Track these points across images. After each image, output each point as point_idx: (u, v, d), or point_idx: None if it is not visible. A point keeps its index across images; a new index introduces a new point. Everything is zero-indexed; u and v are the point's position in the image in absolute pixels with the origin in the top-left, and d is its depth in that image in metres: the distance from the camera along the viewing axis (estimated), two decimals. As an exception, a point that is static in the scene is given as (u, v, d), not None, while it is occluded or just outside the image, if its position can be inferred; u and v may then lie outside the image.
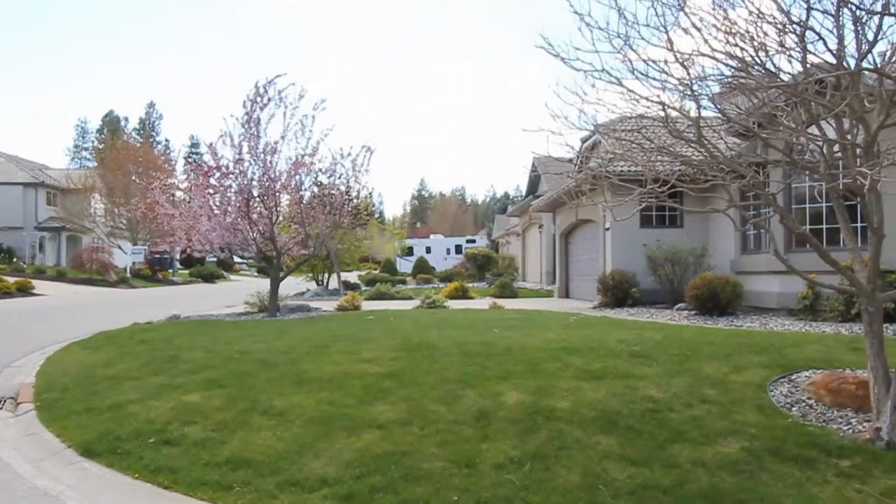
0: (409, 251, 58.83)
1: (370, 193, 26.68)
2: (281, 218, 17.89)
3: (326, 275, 31.62)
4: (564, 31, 10.79)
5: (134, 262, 44.23)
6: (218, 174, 16.15)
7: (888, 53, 5.33)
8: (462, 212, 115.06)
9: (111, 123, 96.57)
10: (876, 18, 4.89)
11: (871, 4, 4.88)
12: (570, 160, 15.36)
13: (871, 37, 4.92)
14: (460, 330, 11.30)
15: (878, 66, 5.18)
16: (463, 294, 23.97)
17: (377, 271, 42.25)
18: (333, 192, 17.70)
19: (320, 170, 17.27)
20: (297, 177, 16.92)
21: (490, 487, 4.85)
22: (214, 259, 48.34)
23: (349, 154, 17.27)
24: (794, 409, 6.56)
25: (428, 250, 59.46)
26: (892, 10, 4.76)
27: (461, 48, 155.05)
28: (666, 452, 5.50)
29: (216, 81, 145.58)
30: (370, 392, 7.22)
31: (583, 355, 8.58)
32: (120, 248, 45.92)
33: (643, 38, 5.50)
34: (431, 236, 71.69)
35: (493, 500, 4.68)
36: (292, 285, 28.89)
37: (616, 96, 5.85)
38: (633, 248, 17.21)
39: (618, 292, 16.59)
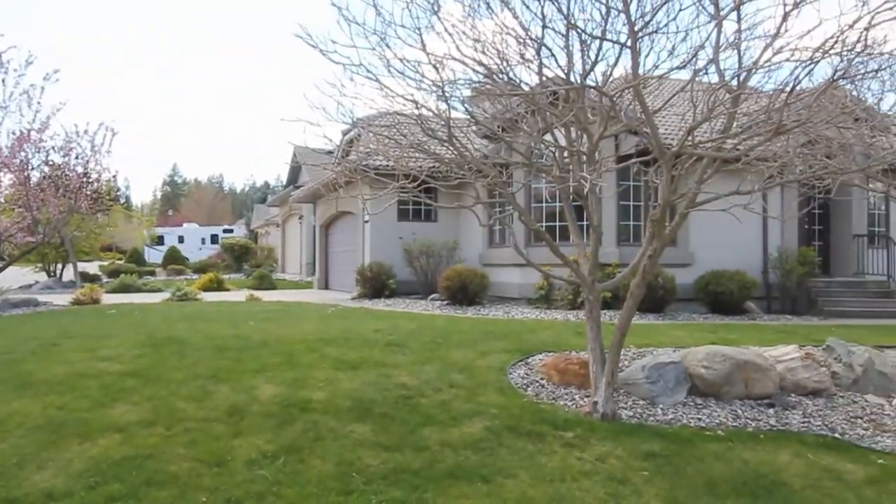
0: (160, 240, 54.77)
1: (114, 176, 24.29)
2: (1, 199, 15.66)
3: (60, 265, 28.31)
4: (327, 25, 10.75)
5: None
6: None
7: (607, 73, 6.07)
8: (219, 200, 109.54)
9: None
10: (597, 42, 5.56)
11: (593, 30, 5.54)
12: (331, 152, 15.39)
13: (593, 57, 5.59)
14: (213, 323, 10.81)
15: (599, 83, 5.88)
16: (218, 286, 22.91)
17: (122, 262, 38.69)
18: (69, 173, 15.88)
19: (52, 147, 15.42)
20: (23, 153, 14.92)
21: (242, 484, 4.72)
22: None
23: (86, 132, 15.61)
24: (529, 389, 7.24)
25: (181, 240, 55.80)
26: (609, 37, 5.45)
27: (226, 36, 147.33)
28: (417, 436, 5.77)
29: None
30: (109, 393, 6.62)
31: (340, 346, 8.67)
32: None
33: (400, 38, 5.69)
34: (185, 225, 67.30)
35: (244, 497, 4.56)
36: (16, 277, 25.45)
37: (374, 92, 5.98)
38: (390, 240, 17.71)
39: (376, 283, 16.98)
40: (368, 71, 5.70)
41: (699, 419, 6.67)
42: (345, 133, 17.09)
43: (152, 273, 35.25)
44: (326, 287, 23.29)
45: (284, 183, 41.19)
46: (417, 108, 5.89)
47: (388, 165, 6.92)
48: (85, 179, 16.25)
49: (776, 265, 14.65)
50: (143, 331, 9.93)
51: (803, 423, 6.80)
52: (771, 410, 7.03)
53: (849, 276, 15.85)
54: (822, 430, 6.64)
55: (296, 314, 12.49)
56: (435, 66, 5.64)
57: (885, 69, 5.66)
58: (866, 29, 4.76)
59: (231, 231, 62.24)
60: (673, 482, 5.27)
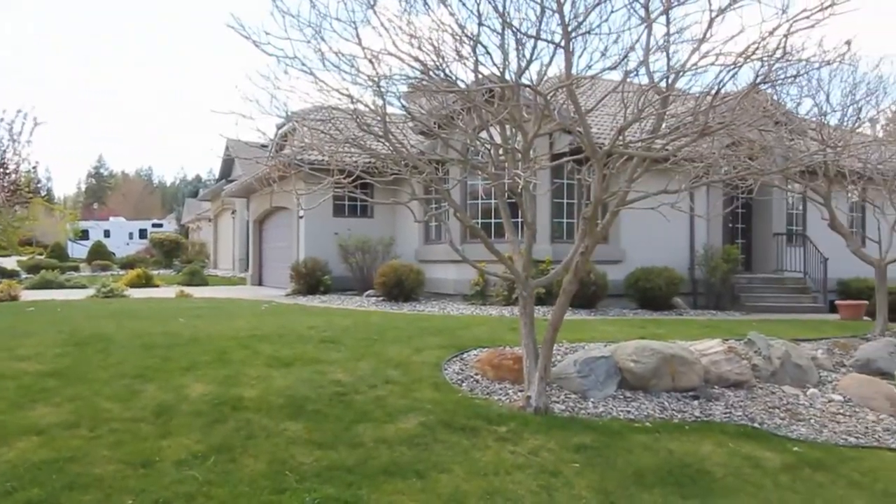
0: (84, 235, 52.63)
1: (34, 167, 23.17)
2: None
3: (-27, 261, 26.87)
4: (261, 15, 10.55)
5: None
6: None
7: (542, 72, 6.16)
8: (148, 193, 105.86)
9: None
10: (532, 41, 5.64)
11: (528, 29, 5.62)
12: (265, 146, 15.12)
13: (528, 56, 5.67)
14: (141, 320, 10.47)
15: (534, 82, 5.97)
16: (147, 282, 22.21)
17: (43, 257, 37.00)
18: (-18, 163, 15.10)
19: (-37, 135, 14.62)
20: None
21: (170, 486, 4.60)
22: None
23: (1, 120, 14.88)
24: (464, 384, 7.29)
25: (107, 234, 53.81)
26: (544, 36, 5.53)
27: (154, 23, 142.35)
28: (351, 433, 5.74)
29: None
30: (28, 394, 6.34)
31: (273, 343, 8.54)
32: None
33: (335, 32, 5.63)
34: (111, 219, 64.88)
35: (173, 498, 4.44)
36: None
37: (310, 85, 5.92)
38: (326, 236, 17.53)
39: (311, 280, 16.78)
40: (303, 64, 5.63)
41: (628, 412, 6.86)
42: (279, 127, 16.80)
43: (76, 269, 33.82)
44: (260, 283, 22.88)
45: (217, 177, 40.19)
46: (353, 102, 5.85)
47: (322, 160, 6.85)
48: (2, 170, 15.48)
49: (702, 262, 15.18)
50: (65, 329, 9.54)
51: (725, 413, 7.08)
52: (696, 402, 7.29)
53: (769, 273, 16.55)
54: (743, 421, 6.92)
55: (228, 311, 12.22)
56: (371, 61, 5.62)
57: (802, 75, 5.94)
58: (785, 36, 4.98)
59: (160, 225, 60.38)
60: (603, 473, 5.40)
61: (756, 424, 6.86)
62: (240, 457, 5.15)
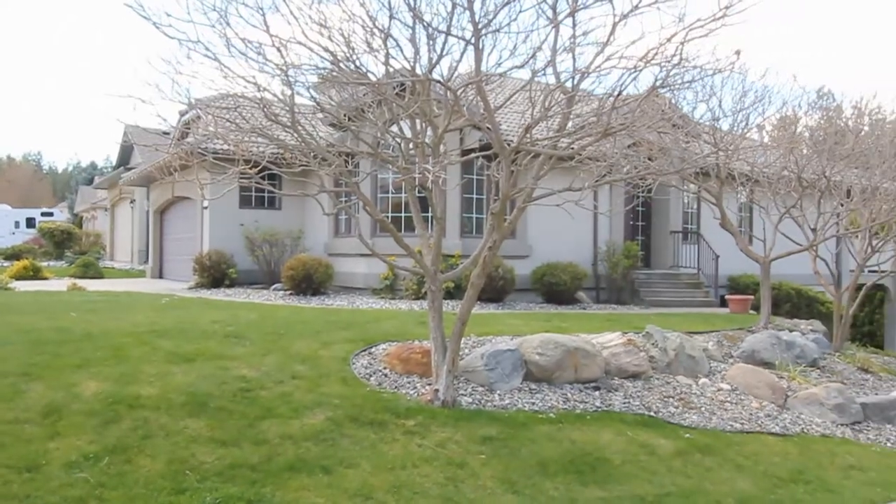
0: (-39, 223, 48.93)
1: None
2: None
3: None
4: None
5: None
6: None
7: (453, 68, 6.21)
8: (38, 180, 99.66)
9: None
10: (443, 37, 5.67)
11: (439, 24, 5.65)
12: (167, 133, 14.53)
13: (439, 51, 5.70)
14: (28, 315, 9.85)
15: (445, 77, 6.01)
16: (35, 274, 20.88)
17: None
18: None
19: None
20: None
21: (58, 490, 4.37)
22: None
23: None
24: (372, 378, 7.27)
25: (-12, 223, 50.24)
26: (455, 32, 5.58)
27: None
28: (256, 430, 5.62)
29: None
30: None
31: (174, 338, 8.23)
32: None
33: (242, 17, 5.48)
34: (-6, 207, 60.65)
35: (61, 503, 4.23)
36: None
37: (214, 72, 5.75)
38: (231, 227, 17.03)
39: (215, 273, 16.27)
40: (207, 49, 5.44)
41: (533, 403, 7.04)
42: (182, 114, 16.20)
43: (-48, 260, 31.45)
44: (161, 276, 22.00)
45: (114, 164, 38.31)
46: (260, 91, 5.70)
47: (228, 150, 6.65)
48: None
49: (605, 258, 15.72)
50: (-60, 324, 8.86)
51: (624, 403, 7.38)
52: (597, 393, 7.56)
53: (666, 269, 17.34)
54: (640, 410, 7.25)
55: (125, 305, 11.68)
56: (279, 49, 5.50)
57: (697, 81, 6.25)
58: (682, 44, 5.23)
59: (51, 214, 56.81)
60: (508, 464, 5.53)
61: (652, 413, 7.20)
62: (136, 457, 4.95)
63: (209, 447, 5.21)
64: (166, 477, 4.68)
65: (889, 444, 7.54)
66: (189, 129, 15.77)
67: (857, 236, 12.47)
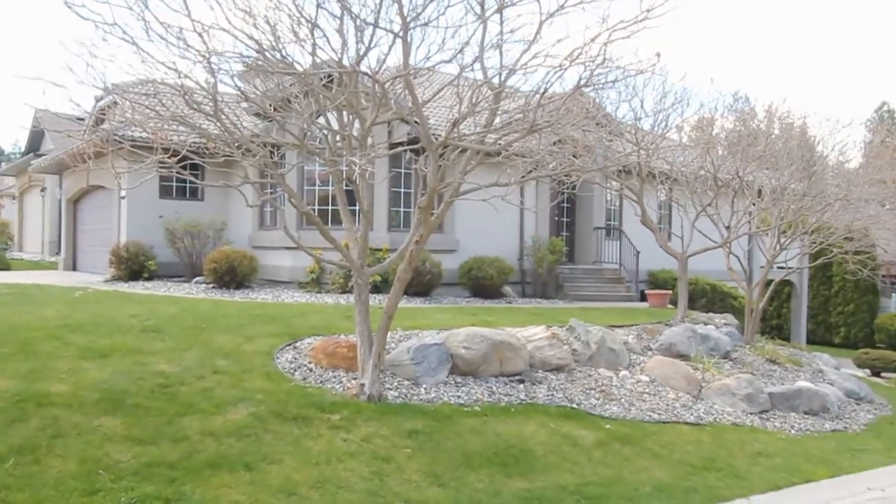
0: None
1: None
2: None
3: None
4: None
5: None
6: None
7: (381, 60, 6.17)
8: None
9: None
10: (371, 29, 5.63)
11: (367, 16, 5.60)
12: (82, 119, 13.91)
13: (367, 43, 5.65)
14: (-74, 310, 9.26)
15: (373, 70, 5.97)
16: (-68, 266, 19.66)
17: None
18: None
19: None
20: None
21: (-42, 494, 4.14)
22: None
23: None
24: (297, 373, 7.17)
25: None
26: (383, 25, 5.55)
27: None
28: (175, 427, 5.47)
29: None
30: None
31: (88, 332, 7.89)
32: None
33: (162, 1, 5.28)
34: None
35: (-39, 507, 4.01)
36: None
37: (133, 57, 5.49)
38: (151, 218, 16.44)
39: (133, 265, 15.65)
40: (125, 32, 5.23)
41: (459, 396, 7.10)
42: (98, 99, 15.50)
43: None
44: (74, 268, 21.03)
45: (23, 150, 36.25)
46: (181, 77, 5.52)
47: (146, 137, 6.41)
48: None
49: (530, 253, 15.96)
50: None
51: (548, 395, 7.54)
52: (521, 386, 7.69)
53: (589, 265, 17.75)
54: (563, 402, 7.42)
55: (35, 298, 11.11)
56: (201, 35, 5.33)
57: (620, 81, 6.42)
58: (605, 44, 5.36)
59: (-48, 202, 53.53)
60: (433, 457, 5.57)
61: (574, 405, 7.38)
62: (45, 457, 4.74)
63: (125, 445, 5.04)
64: (78, 477, 4.50)
65: (793, 432, 7.97)
66: (105, 115, 15.12)
67: (767, 234, 13.09)
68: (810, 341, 23.28)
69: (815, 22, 66.40)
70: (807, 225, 12.59)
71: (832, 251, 13.62)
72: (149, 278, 15.59)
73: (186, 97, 5.68)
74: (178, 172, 6.09)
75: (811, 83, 60.68)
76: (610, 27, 5.29)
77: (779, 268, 15.03)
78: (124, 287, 14.18)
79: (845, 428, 8.56)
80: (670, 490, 5.64)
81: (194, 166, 6.53)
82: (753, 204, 12.62)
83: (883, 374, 16.45)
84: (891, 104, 47.74)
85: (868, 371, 16.57)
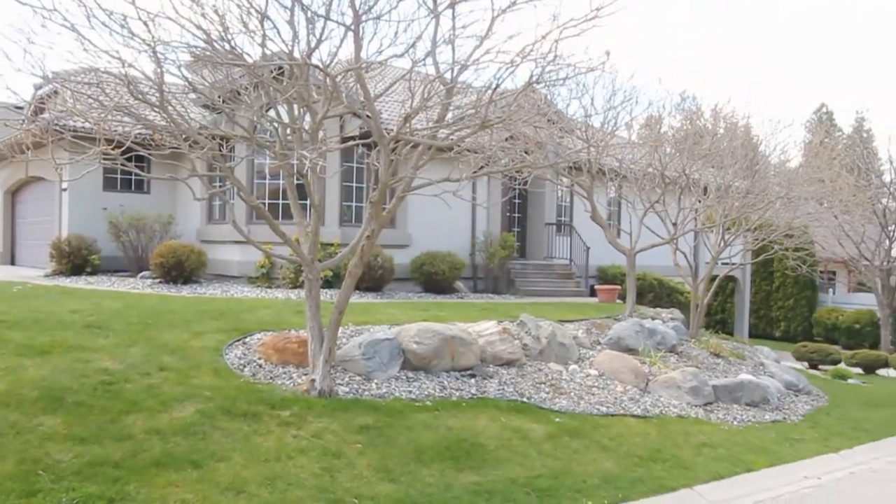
0: None
1: None
2: None
3: None
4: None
5: None
6: None
7: (332, 53, 6.12)
8: None
9: None
10: (322, 21, 5.57)
11: (318, 8, 5.55)
12: (20, 108, 13.40)
13: (318, 35, 5.59)
14: None
15: (325, 63, 5.91)
16: None
17: None
18: None
19: None
20: None
21: None
22: None
23: None
24: (246, 369, 7.07)
25: None
26: (335, 17, 5.50)
27: None
28: (119, 425, 5.34)
29: None
30: None
31: (27, 329, 7.63)
32: None
33: (105, -14, 5.13)
34: None
35: None
36: None
37: (75, 44, 5.32)
38: (94, 211, 15.95)
39: (75, 259, 15.18)
40: (65, 19, 5.06)
41: (410, 391, 7.11)
42: (37, 87, 14.98)
43: None
44: (12, 262, 20.30)
45: (-43, 139, 34.76)
46: (125, 67, 5.37)
47: (89, 128, 6.22)
48: None
49: (482, 248, 16.05)
50: None
51: (499, 390, 7.60)
52: (472, 380, 7.74)
53: (540, 260, 17.95)
54: (514, 396, 7.49)
55: (-31, 294, 10.69)
56: (146, 24, 5.19)
57: (570, 78, 6.49)
58: (556, 41, 5.42)
59: None
60: (385, 452, 5.56)
61: (525, 399, 7.46)
62: (-19, 458, 4.57)
63: (66, 445, 4.90)
64: (16, 478, 4.35)
65: (735, 423, 8.22)
66: (45, 104, 14.62)
67: (712, 231, 13.44)
68: (752, 335, 24.02)
69: (758, 23, 68.40)
70: (750, 222, 12.99)
71: (774, 248, 14.08)
72: (92, 273, 15.14)
73: (131, 87, 5.53)
74: (122, 164, 5.92)
75: (755, 84, 62.50)
76: (561, 25, 5.36)
77: (723, 264, 15.46)
78: (66, 282, 13.75)
79: (784, 419, 8.87)
80: (618, 481, 5.75)
81: (140, 158, 6.36)
82: (699, 201, 12.94)
83: (820, 367, 17.11)
84: (829, 106, 49.62)
85: (806, 364, 17.21)
